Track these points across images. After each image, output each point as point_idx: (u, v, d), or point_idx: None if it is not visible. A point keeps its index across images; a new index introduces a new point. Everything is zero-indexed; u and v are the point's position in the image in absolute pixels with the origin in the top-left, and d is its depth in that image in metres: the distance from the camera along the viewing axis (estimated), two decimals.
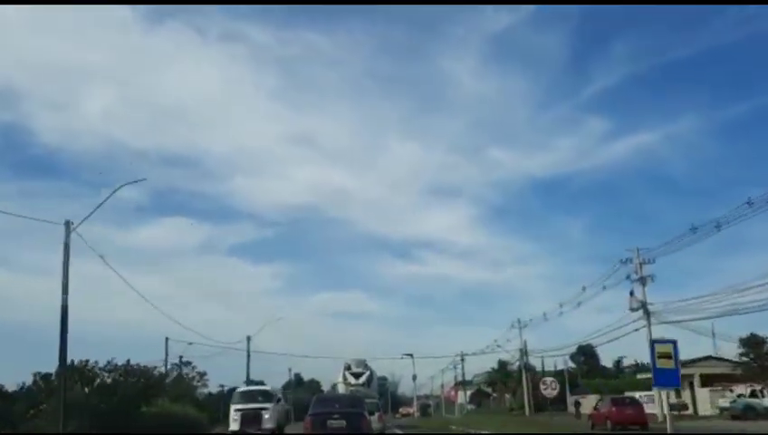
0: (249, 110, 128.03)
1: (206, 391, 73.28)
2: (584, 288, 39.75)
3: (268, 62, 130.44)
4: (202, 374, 76.38)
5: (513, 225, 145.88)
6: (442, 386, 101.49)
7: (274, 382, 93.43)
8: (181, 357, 46.70)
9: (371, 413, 21.87)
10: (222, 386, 70.93)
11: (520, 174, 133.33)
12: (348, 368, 37.05)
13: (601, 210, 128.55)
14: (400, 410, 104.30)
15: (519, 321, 62.11)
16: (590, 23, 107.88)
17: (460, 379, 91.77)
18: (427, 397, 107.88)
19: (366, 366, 37.50)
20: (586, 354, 74.40)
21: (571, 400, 59.37)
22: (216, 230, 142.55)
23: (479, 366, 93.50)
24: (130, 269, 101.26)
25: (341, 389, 36.15)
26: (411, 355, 74.20)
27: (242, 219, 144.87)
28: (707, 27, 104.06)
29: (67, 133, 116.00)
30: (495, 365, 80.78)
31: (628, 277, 34.50)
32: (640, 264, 33.87)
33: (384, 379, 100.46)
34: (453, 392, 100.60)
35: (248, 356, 49.93)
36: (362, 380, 35.93)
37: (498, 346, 67.78)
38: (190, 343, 44.82)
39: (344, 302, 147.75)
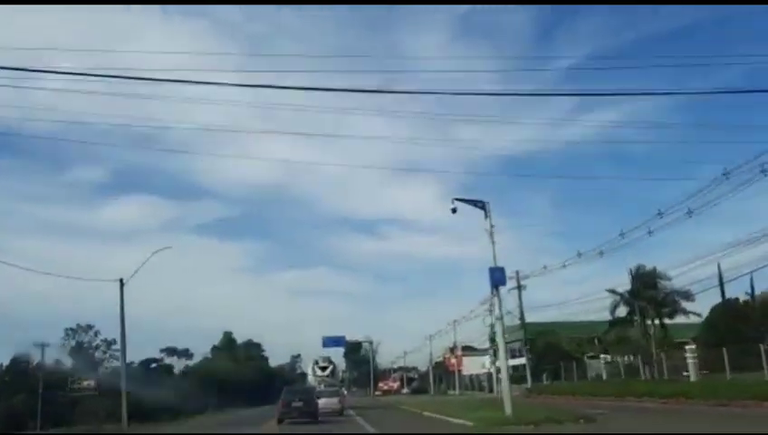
0: (213, 86, 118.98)
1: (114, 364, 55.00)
2: None
3: (233, 38, 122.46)
4: (110, 343, 58.71)
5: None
6: (454, 347, 77.05)
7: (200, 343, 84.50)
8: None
9: (330, 397, 35.77)
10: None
11: (486, 151, 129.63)
12: (316, 363, 46.89)
13: (567, 186, 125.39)
14: (380, 384, 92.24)
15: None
16: None
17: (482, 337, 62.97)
18: (407, 370, 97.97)
19: (330, 361, 47.20)
20: None
21: None
22: (181, 209, 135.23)
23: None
24: (96, 249, 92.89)
25: (311, 380, 45.59)
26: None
27: (206, 198, 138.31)
28: (672, 4, 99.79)
29: (24, 110, 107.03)
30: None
31: None
32: None
33: (358, 344, 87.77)
34: (455, 360, 77.19)
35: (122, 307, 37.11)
36: (327, 372, 45.54)
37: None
38: None
39: (311, 279, 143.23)
